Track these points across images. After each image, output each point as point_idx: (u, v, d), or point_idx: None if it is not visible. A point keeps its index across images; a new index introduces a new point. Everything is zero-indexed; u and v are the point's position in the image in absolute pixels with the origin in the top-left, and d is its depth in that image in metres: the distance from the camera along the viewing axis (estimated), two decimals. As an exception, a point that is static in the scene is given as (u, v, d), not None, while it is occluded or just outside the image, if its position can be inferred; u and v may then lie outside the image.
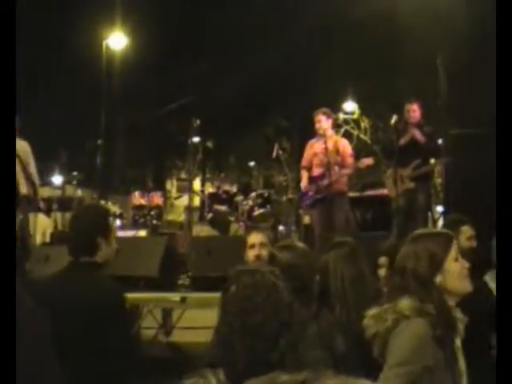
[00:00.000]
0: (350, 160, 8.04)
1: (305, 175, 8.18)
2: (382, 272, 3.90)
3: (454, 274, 2.68)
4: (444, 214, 8.11)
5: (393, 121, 7.64)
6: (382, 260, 3.94)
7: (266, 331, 1.91)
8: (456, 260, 2.69)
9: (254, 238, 4.19)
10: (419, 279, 2.65)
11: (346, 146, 8.22)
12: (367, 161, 8.04)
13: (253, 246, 4.14)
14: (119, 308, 2.94)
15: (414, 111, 7.84)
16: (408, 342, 2.53)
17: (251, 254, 4.11)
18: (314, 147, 8.13)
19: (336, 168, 7.89)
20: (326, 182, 7.81)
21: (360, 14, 16.34)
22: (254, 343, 1.90)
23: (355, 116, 21.65)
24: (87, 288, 2.94)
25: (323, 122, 7.96)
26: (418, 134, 7.73)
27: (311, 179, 8.09)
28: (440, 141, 8.38)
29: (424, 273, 2.66)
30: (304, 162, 8.25)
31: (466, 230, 4.31)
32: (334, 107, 19.54)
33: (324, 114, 8.05)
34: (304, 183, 8.11)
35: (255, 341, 1.90)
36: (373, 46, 18.32)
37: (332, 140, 8.04)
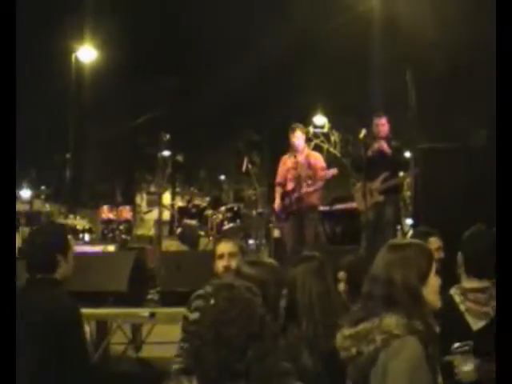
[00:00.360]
0: (321, 173, 8.10)
1: (278, 192, 8.22)
2: (341, 286, 3.91)
3: (434, 287, 2.54)
4: (413, 226, 8.18)
5: (361, 134, 7.72)
6: (341, 274, 3.95)
7: (237, 343, 1.98)
8: (435, 273, 2.56)
9: (223, 247, 4.01)
10: (410, 291, 2.45)
11: (317, 159, 8.29)
12: (332, 171, 8.14)
13: (222, 257, 3.95)
14: (75, 324, 2.97)
15: (383, 125, 7.93)
16: (407, 365, 2.33)
17: (220, 265, 3.93)
18: (287, 163, 8.20)
19: (309, 182, 7.96)
20: (296, 195, 7.86)
21: (331, 28, 16.50)
22: (224, 354, 1.98)
23: (325, 130, 21.76)
24: (45, 304, 2.95)
25: (299, 138, 8.06)
26: (385, 147, 7.81)
27: (284, 194, 8.14)
28: (409, 154, 8.47)
29: (414, 284, 2.47)
30: (278, 178, 8.29)
31: (434, 241, 4.35)
32: (305, 121, 19.71)
33: (301, 130, 8.15)
34: (277, 202, 8.14)
35: (226, 352, 1.98)
36: (343, 59, 18.48)
37: (304, 154, 8.11)
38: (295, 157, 7.95)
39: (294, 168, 8.02)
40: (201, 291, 3.72)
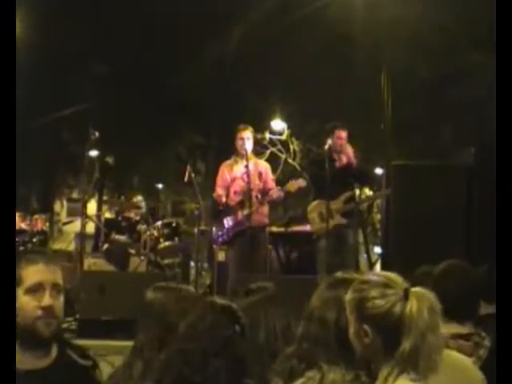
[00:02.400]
0: (272, 185, 8.13)
1: (219, 207, 8.20)
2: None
3: None
4: (382, 256, 8.27)
5: (327, 145, 7.78)
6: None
7: (198, 357, 2.24)
8: None
9: (37, 274, 2.86)
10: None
11: (267, 169, 8.34)
12: (298, 183, 8.04)
13: (35, 290, 2.84)
14: None
15: (342, 138, 8.01)
16: None
17: (31, 305, 2.81)
18: (232, 171, 8.15)
19: (258, 196, 7.96)
20: (246, 211, 7.82)
21: (296, 20, 16.64)
22: (185, 368, 2.23)
23: (284, 137, 21.84)
24: None
25: (249, 141, 8.04)
26: (346, 162, 7.88)
27: (227, 209, 8.09)
28: (381, 171, 8.59)
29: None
30: (219, 189, 8.20)
31: None
32: (260, 125, 19.71)
33: (250, 130, 8.12)
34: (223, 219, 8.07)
35: (187, 366, 2.24)
36: (309, 57, 18.62)
37: (252, 162, 8.10)
38: (246, 166, 7.89)
39: (242, 178, 8.00)
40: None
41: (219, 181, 8.22)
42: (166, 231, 10.64)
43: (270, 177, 8.27)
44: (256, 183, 8.00)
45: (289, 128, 21.78)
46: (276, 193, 7.95)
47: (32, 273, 2.85)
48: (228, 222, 8.03)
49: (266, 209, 8.09)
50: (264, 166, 8.42)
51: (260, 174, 8.12)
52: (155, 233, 10.54)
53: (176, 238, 10.56)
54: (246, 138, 8.01)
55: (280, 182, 8.84)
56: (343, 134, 8.04)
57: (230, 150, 8.55)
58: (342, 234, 7.84)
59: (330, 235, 7.68)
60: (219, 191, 8.16)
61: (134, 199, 12.81)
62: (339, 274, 2.77)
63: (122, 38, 20.09)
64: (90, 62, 21.42)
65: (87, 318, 5.70)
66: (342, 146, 7.97)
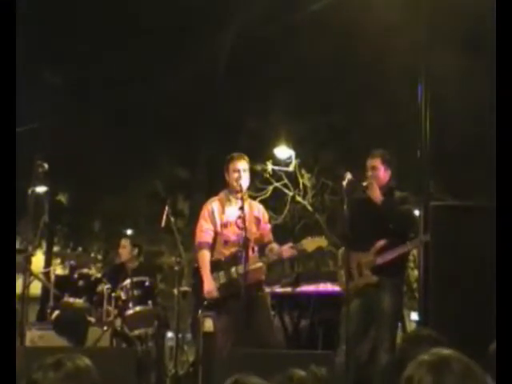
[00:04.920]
0: (269, 237, 8.24)
1: (206, 258, 8.11)
2: None
3: None
4: (420, 324, 8.25)
5: (345, 180, 7.72)
6: None
7: None
8: None
9: None
10: None
11: (264, 214, 8.44)
12: (316, 241, 8.03)
13: None
14: None
15: (379, 169, 8.04)
16: None
17: None
18: (226, 213, 8.16)
19: (255, 248, 8.04)
20: (241, 269, 7.81)
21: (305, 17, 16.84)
22: None
23: (291, 168, 21.89)
24: None
25: (245, 174, 8.10)
26: (380, 201, 7.91)
27: (216, 264, 8.11)
28: (417, 213, 8.59)
29: None
30: (203, 237, 8.18)
31: None
32: (261, 153, 19.67)
33: (246, 160, 8.18)
34: (207, 277, 8.02)
35: None
36: (323, 62, 18.71)
37: (246, 203, 8.15)
38: (241, 208, 7.89)
39: (236, 224, 8.04)
40: None
41: (202, 225, 8.20)
42: (136, 292, 10.55)
43: (268, 225, 8.38)
44: (253, 231, 8.07)
45: (297, 157, 21.82)
46: (288, 251, 7.96)
47: None
48: (218, 281, 8.03)
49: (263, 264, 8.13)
50: (260, 208, 8.49)
51: (257, 220, 8.22)
52: (122, 295, 10.49)
53: (150, 302, 10.49)
54: (242, 170, 8.06)
55: (287, 227, 8.89)
56: (377, 162, 8.08)
57: (220, 185, 8.57)
58: (372, 295, 7.83)
59: (357, 297, 7.71)
60: (201, 237, 8.15)
61: (94, 250, 12.81)
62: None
63: (83, 44, 20.30)
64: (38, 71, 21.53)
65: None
66: (378, 179, 7.99)
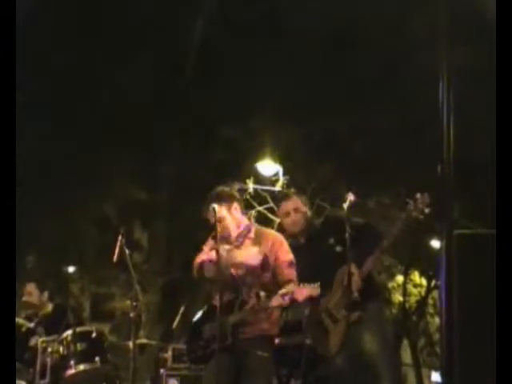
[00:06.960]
0: (291, 273, 8.41)
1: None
2: None
3: None
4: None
5: (347, 203, 7.77)
6: None
7: None
8: None
9: None
10: None
11: (283, 246, 8.65)
12: (307, 290, 7.99)
13: None
14: None
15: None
16: None
17: None
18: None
19: (261, 293, 8.07)
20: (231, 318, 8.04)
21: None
22: None
23: (277, 187, 21.91)
24: None
25: (236, 213, 8.66)
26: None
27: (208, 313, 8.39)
28: (437, 244, 8.57)
29: None
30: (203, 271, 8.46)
31: None
32: (239, 169, 19.69)
33: (219, 198, 8.51)
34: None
35: None
36: (316, 56, 18.90)
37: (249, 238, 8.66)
38: (241, 241, 8.52)
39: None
40: None
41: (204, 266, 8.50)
42: (80, 346, 10.56)
43: (286, 260, 8.56)
44: (257, 272, 8.38)
45: (286, 173, 21.85)
46: (276, 301, 8.05)
47: None
48: (206, 331, 8.28)
49: (274, 312, 8.34)
50: (278, 239, 8.79)
51: (267, 259, 8.46)
52: (61, 349, 10.48)
53: (97, 358, 10.47)
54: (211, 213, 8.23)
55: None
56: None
57: (186, 209, 8.68)
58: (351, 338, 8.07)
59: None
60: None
61: (27, 291, 12.71)
62: None
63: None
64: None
65: None
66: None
